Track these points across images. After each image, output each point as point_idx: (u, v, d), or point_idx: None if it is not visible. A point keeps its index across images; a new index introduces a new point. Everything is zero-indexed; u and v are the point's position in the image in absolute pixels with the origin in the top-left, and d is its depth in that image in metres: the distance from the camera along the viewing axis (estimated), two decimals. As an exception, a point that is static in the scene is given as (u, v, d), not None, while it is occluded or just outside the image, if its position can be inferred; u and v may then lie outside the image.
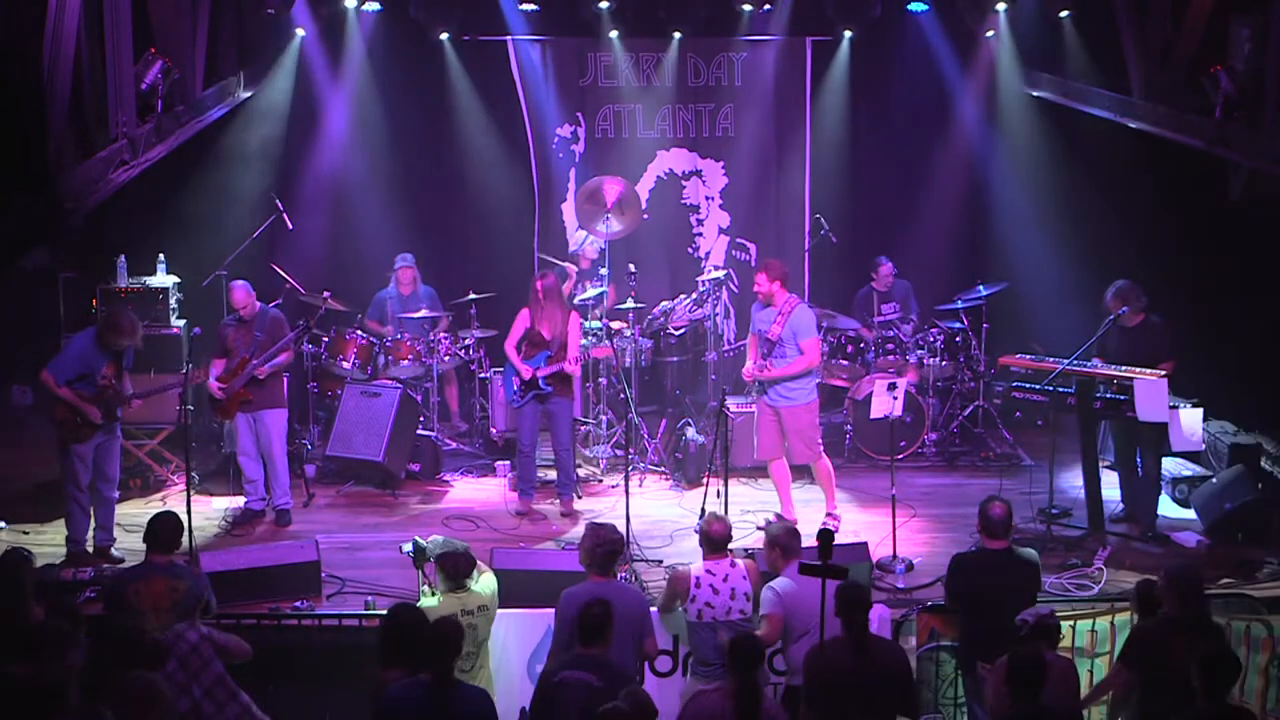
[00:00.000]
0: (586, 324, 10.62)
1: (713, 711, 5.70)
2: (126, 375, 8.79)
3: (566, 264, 11.31)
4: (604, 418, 10.71)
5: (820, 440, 9.35)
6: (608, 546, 6.66)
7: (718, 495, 8.88)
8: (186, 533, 8.22)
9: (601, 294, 10.80)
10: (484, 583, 6.90)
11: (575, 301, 10.82)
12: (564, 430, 9.65)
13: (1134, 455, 9.28)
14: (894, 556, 8.49)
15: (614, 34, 11.89)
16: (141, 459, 10.27)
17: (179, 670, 6.04)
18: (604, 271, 10.85)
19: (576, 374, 9.87)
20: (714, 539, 6.87)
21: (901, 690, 6.19)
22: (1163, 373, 8.62)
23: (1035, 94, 12.08)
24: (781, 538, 6.92)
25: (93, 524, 8.79)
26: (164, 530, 6.91)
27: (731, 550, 7.04)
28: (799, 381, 9.06)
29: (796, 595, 6.61)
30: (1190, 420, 8.73)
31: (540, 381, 9.44)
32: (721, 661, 6.58)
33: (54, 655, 5.55)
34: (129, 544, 9.02)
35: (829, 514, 9.23)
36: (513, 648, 7.48)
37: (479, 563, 6.99)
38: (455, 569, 6.72)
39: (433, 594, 6.82)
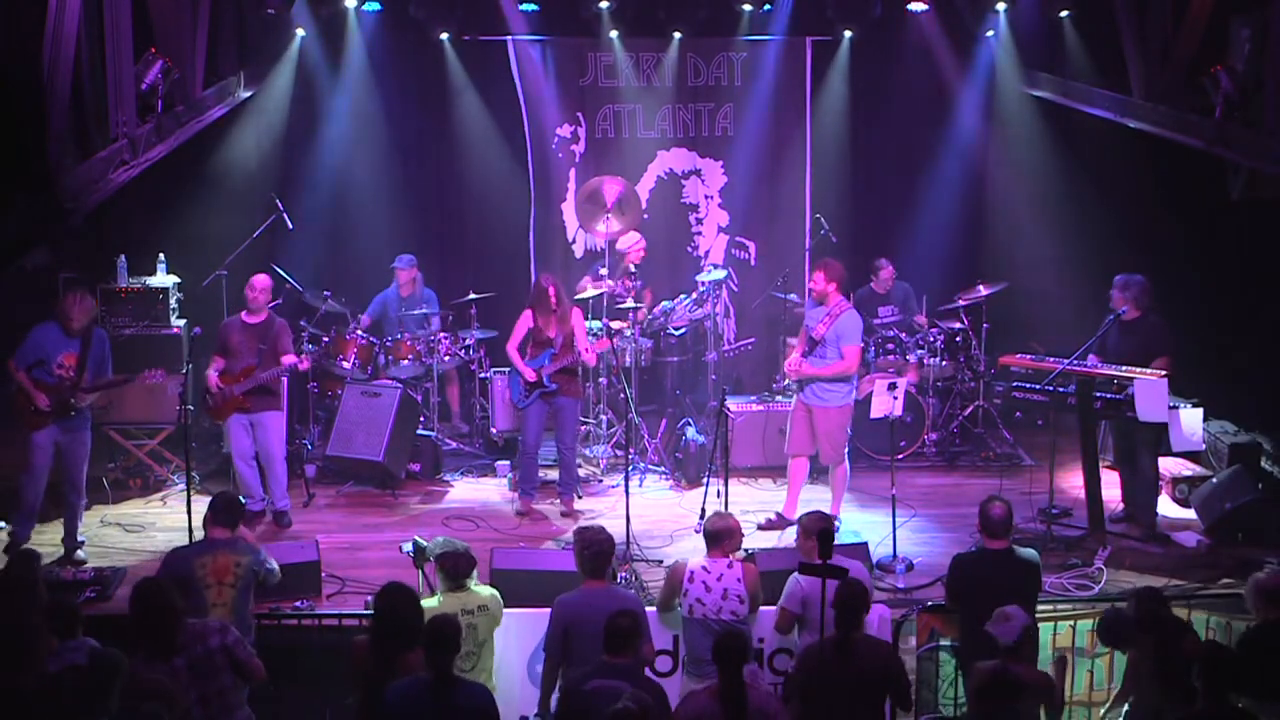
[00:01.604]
0: (588, 324, 10.63)
1: (701, 711, 5.70)
2: (106, 374, 8.77)
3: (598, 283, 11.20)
4: (604, 418, 10.71)
5: (846, 445, 9.36)
6: (595, 548, 6.65)
7: (718, 495, 8.88)
8: (187, 533, 8.30)
9: (635, 306, 10.78)
10: (486, 586, 6.91)
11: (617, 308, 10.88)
12: (569, 429, 9.68)
13: (1134, 455, 9.29)
14: (894, 556, 8.50)
15: (614, 34, 11.88)
16: (141, 459, 10.27)
17: (185, 669, 5.97)
18: (604, 271, 10.84)
19: (592, 362, 9.88)
20: (715, 534, 6.88)
21: (890, 686, 6.19)
22: (1163, 372, 8.62)
23: (1035, 94, 12.08)
24: (815, 527, 6.91)
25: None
26: (226, 507, 7.04)
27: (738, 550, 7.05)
28: (836, 384, 9.11)
29: (818, 589, 6.60)
30: (1190, 420, 8.73)
31: (545, 379, 9.45)
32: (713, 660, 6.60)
33: (29, 657, 5.52)
34: (128, 543, 9.08)
35: (832, 515, 9.21)
36: (512, 648, 7.47)
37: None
38: (455, 568, 6.72)
39: (433, 594, 6.82)
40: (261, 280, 9.47)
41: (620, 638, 6.01)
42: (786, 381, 9.72)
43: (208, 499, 9.73)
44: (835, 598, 6.13)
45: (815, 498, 9.52)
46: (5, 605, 6.19)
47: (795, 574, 6.77)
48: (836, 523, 9.12)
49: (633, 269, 11.23)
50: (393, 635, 5.95)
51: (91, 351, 8.67)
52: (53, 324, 8.68)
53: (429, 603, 6.64)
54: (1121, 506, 9.45)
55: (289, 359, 9.31)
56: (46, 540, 8.86)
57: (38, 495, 8.67)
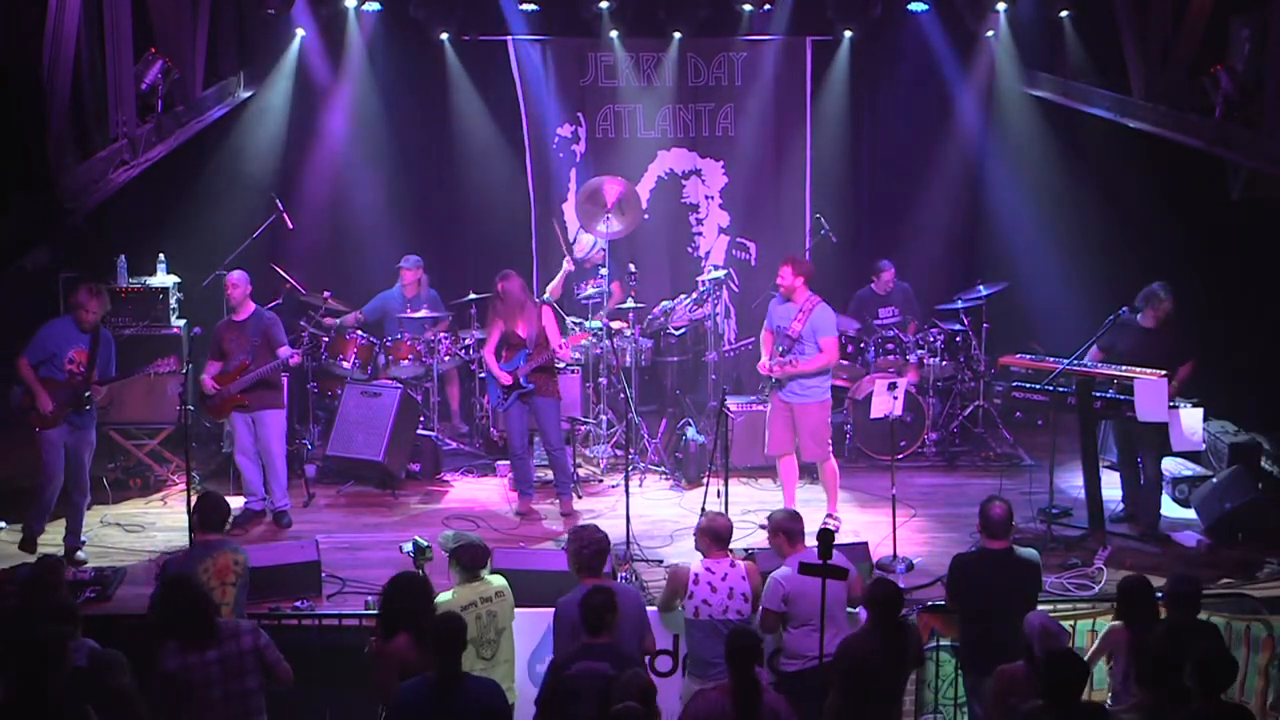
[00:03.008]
0: (587, 324, 10.64)
1: (713, 709, 5.70)
2: (111, 374, 8.78)
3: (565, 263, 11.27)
4: (604, 418, 10.71)
5: (830, 440, 9.36)
6: (593, 547, 6.64)
7: (718, 495, 8.87)
8: (187, 532, 8.29)
9: (601, 293, 10.78)
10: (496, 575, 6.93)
11: (579, 300, 10.86)
12: (552, 430, 9.62)
13: (1135, 455, 9.29)
14: (894, 556, 8.50)
15: (614, 34, 11.88)
16: (141, 459, 10.27)
17: (216, 664, 5.95)
18: (604, 272, 10.85)
19: (567, 357, 9.87)
20: (717, 533, 6.88)
21: (916, 660, 6.47)
22: (1163, 372, 8.62)
23: (1035, 94, 12.08)
24: (784, 523, 6.96)
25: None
26: (214, 510, 7.02)
27: (732, 550, 7.04)
28: (814, 379, 9.10)
29: (801, 583, 6.62)
30: (1190, 420, 8.73)
31: (522, 380, 9.45)
32: (718, 661, 6.60)
33: (54, 659, 5.53)
34: (128, 543, 9.08)
35: (830, 515, 9.23)
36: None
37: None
38: (473, 560, 6.72)
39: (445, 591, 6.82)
40: (235, 276, 9.42)
41: (596, 615, 6.02)
42: (762, 386, 9.67)
43: (207, 499, 9.85)
44: (873, 595, 6.27)
45: (815, 498, 9.52)
46: (31, 610, 6.21)
47: (773, 574, 6.81)
48: (836, 522, 9.13)
49: (632, 267, 11.23)
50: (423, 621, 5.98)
51: (100, 350, 8.69)
52: (66, 318, 8.73)
53: (444, 596, 6.64)
54: (1121, 506, 9.45)
55: (283, 351, 9.31)
56: (45, 540, 8.84)
57: (55, 493, 8.70)
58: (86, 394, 8.60)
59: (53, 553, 8.12)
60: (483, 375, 11.03)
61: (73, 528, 8.82)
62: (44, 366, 8.55)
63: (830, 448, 9.32)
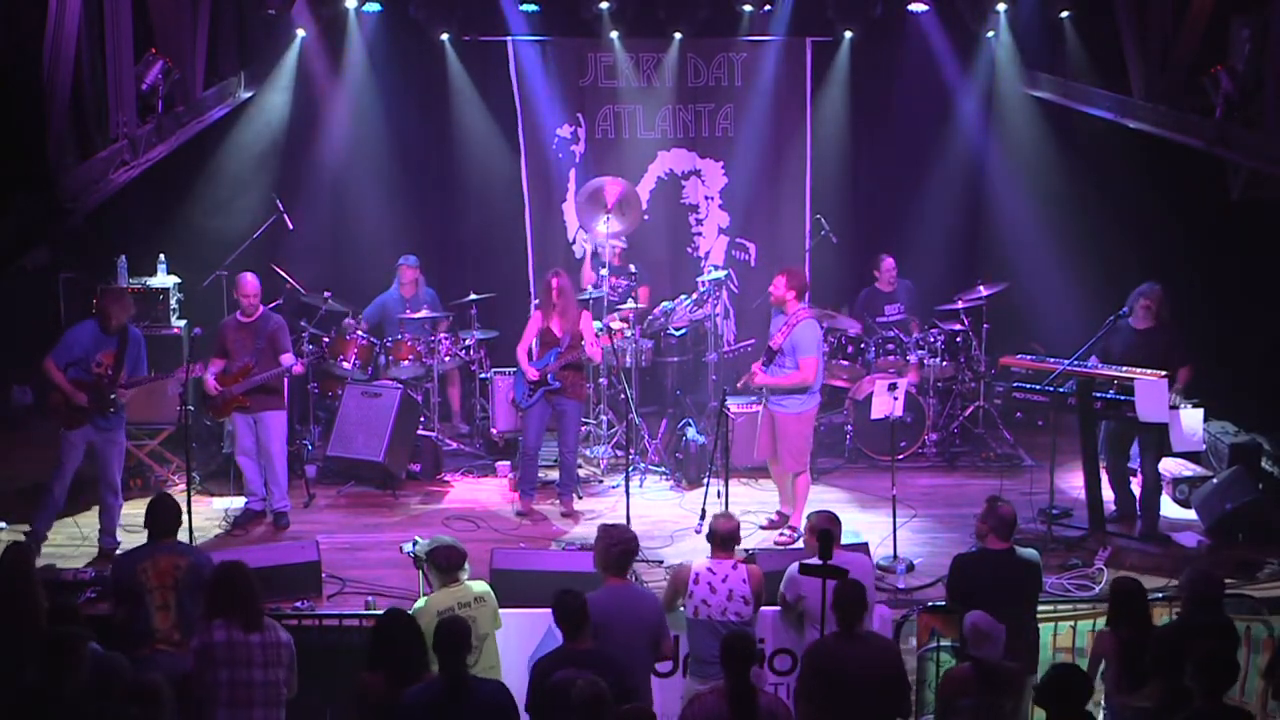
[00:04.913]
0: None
1: (709, 713, 5.69)
2: (142, 372, 8.80)
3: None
4: (604, 418, 10.71)
5: (808, 454, 9.25)
6: (621, 546, 6.62)
7: (718, 495, 8.87)
8: (187, 532, 8.29)
9: (602, 293, 10.79)
10: (478, 581, 6.90)
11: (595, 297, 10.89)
12: (571, 431, 9.66)
13: (1124, 454, 9.30)
14: (894, 557, 8.50)
15: (614, 34, 11.89)
16: (142, 459, 10.26)
17: (259, 647, 6.15)
18: (604, 271, 10.85)
19: (598, 357, 9.89)
20: (722, 535, 6.88)
21: (895, 688, 6.22)
22: (1163, 372, 8.61)
23: (1035, 94, 12.08)
24: (822, 525, 6.92)
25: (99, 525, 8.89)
26: (164, 513, 7.00)
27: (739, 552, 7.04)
28: (794, 392, 9.05)
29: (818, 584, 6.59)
30: (1191, 420, 8.73)
31: (550, 377, 9.45)
32: (717, 661, 6.60)
33: (70, 662, 5.53)
34: (129, 543, 8.97)
35: (790, 526, 9.18)
36: (513, 648, 7.45)
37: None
38: (448, 560, 6.68)
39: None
40: (251, 284, 9.35)
41: (576, 618, 6.01)
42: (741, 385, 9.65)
43: (208, 499, 9.87)
44: (832, 597, 6.17)
45: (817, 498, 9.50)
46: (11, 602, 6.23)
47: (791, 568, 6.81)
48: (795, 534, 9.07)
49: (633, 268, 11.24)
50: (403, 664, 5.94)
51: (128, 350, 8.70)
52: (90, 322, 8.73)
53: (420, 603, 6.63)
54: (1114, 508, 9.42)
55: (286, 359, 9.30)
56: (47, 541, 8.84)
57: (64, 493, 8.71)
58: (113, 396, 8.60)
59: (50, 552, 8.15)
60: (484, 376, 11.04)
61: (107, 527, 8.86)
62: (72, 369, 8.56)
63: (807, 462, 9.23)
